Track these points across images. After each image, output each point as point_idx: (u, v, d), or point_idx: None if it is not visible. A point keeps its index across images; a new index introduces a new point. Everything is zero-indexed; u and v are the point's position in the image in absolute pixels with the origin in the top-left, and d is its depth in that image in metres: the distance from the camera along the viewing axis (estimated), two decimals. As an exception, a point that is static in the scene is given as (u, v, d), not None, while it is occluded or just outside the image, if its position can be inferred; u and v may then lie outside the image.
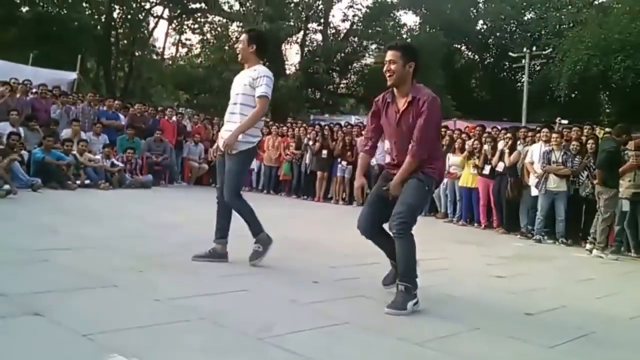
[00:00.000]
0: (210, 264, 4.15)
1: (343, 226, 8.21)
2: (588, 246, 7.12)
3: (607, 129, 10.02)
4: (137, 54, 27.16)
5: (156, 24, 28.51)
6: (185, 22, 27.22)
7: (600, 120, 21.95)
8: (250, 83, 4.16)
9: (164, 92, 29.01)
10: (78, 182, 9.12)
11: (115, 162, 10.10)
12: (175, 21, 27.71)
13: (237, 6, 25.43)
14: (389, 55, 3.47)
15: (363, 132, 11.40)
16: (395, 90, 3.51)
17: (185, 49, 28.64)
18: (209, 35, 25.83)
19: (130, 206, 8.01)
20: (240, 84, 4.25)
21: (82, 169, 9.43)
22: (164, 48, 30.06)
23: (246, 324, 2.78)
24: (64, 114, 10.90)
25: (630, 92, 22.10)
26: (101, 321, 2.62)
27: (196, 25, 26.39)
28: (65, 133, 10.09)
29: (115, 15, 26.28)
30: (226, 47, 23.85)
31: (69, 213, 6.54)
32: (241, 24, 24.43)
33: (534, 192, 8.03)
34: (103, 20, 26.06)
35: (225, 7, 25.52)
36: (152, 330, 2.59)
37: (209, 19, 26.07)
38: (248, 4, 23.79)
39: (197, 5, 25.83)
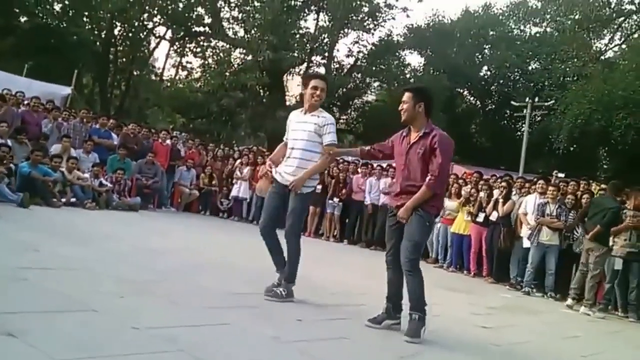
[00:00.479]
0: (194, 293, 4.17)
1: (332, 263, 8.25)
2: (569, 302, 7.18)
3: (603, 185, 10.19)
4: (135, 73, 27.39)
5: (157, 44, 28.91)
6: (188, 45, 27.56)
7: (597, 176, 22.29)
8: (316, 130, 4.49)
9: (160, 114, 29.21)
10: (64, 199, 9.12)
11: (104, 181, 10.12)
12: (177, 43, 28.08)
13: (241, 32, 25.88)
14: (404, 96, 4.08)
15: (359, 169, 11.55)
16: (411, 126, 4.08)
17: (186, 72, 28.98)
18: (210, 60, 26.18)
19: (116, 228, 8.01)
20: (304, 129, 4.53)
21: (69, 187, 9.44)
22: (163, 69, 30.42)
23: (225, 360, 2.80)
24: (55, 129, 10.96)
25: (630, 150, 22.52)
26: (76, 346, 2.63)
27: (198, 49, 26.70)
28: (55, 148, 10.13)
29: (115, 32, 26.63)
30: (227, 73, 24.17)
31: (52, 231, 6.54)
32: (244, 51, 24.83)
33: (526, 243, 8.11)
34: (103, 36, 26.38)
35: (230, 33, 25.95)
36: None
37: (212, 44, 26.45)
38: (253, 32, 24.21)
39: (201, 29, 26.25)
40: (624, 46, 26.00)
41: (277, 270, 4.58)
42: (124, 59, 27.54)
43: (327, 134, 4.48)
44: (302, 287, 4.97)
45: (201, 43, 26.65)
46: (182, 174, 12.32)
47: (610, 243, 7.18)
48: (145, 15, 25.72)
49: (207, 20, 25.73)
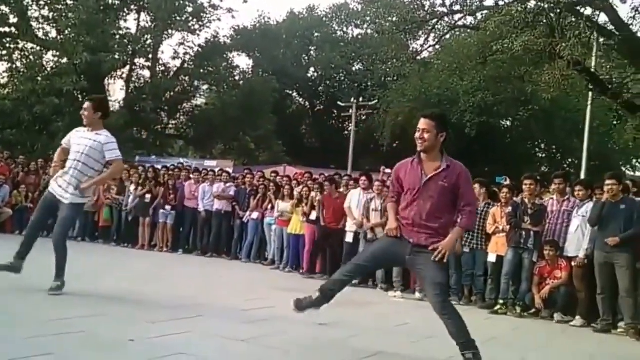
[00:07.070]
0: (8, 323, 3.87)
1: (167, 276, 8.04)
2: (398, 293, 7.87)
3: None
4: None
5: (-48, 46, 25.22)
6: (-9, 47, 24.54)
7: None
8: (98, 147, 5.19)
9: (-40, 124, 25.55)
10: None
11: None
12: (-23, 45, 24.83)
13: (53, 33, 23.93)
14: (424, 124, 4.00)
15: (191, 175, 11.37)
16: (423, 155, 4.00)
17: (-11, 77, 25.68)
18: (19, 64, 23.79)
19: None
20: (83, 145, 5.21)
21: None
22: (-39, 74, 26.63)
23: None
24: None
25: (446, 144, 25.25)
26: None
27: (4, 52, 24.04)
28: None
29: None
30: (39, 78, 22.22)
31: None
32: (58, 54, 23.10)
33: (349, 237, 8.72)
34: None
35: (40, 34, 23.88)
36: None
37: (20, 46, 24.07)
38: (67, 32, 22.54)
39: (6, 30, 23.69)
40: (437, 47, 28.90)
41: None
42: None
43: (111, 150, 5.23)
44: (135, 304, 4.86)
45: (7, 45, 24.03)
46: (-7, 192, 11.07)
47: None
48: None
49: (13, 19, 23.30)
